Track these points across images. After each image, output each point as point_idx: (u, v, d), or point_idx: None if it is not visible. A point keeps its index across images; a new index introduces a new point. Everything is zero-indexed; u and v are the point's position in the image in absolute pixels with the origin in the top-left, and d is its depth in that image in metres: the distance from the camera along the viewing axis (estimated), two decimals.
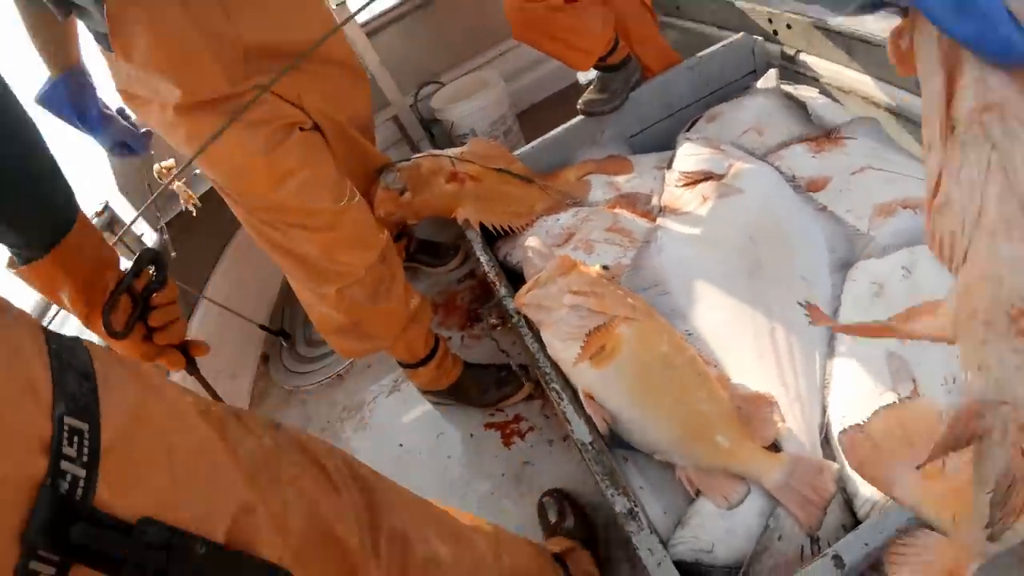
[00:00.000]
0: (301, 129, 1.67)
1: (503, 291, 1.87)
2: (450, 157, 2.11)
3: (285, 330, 2.54)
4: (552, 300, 1.69)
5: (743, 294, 1.70)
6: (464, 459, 2.00)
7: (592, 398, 1.60)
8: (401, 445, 2.09)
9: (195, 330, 2.34)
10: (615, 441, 1.63)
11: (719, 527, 1.46)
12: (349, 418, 2.23)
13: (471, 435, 2.03)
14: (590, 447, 1.53)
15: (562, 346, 1.65)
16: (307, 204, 1.62)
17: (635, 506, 1.41)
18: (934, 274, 1.63)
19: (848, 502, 1.46)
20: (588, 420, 1.57)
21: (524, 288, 1.75)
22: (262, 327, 2.54)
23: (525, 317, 1.77)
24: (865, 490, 1.42)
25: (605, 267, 1.79)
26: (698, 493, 1.52)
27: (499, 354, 2.13)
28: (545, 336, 1.69)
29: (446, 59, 2.98)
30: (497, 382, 2.06)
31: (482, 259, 1.97)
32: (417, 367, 1.97)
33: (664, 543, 1.47)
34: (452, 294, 2.40)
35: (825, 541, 1.43)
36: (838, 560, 1.25)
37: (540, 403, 2.03)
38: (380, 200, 2.05)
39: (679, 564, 1.44)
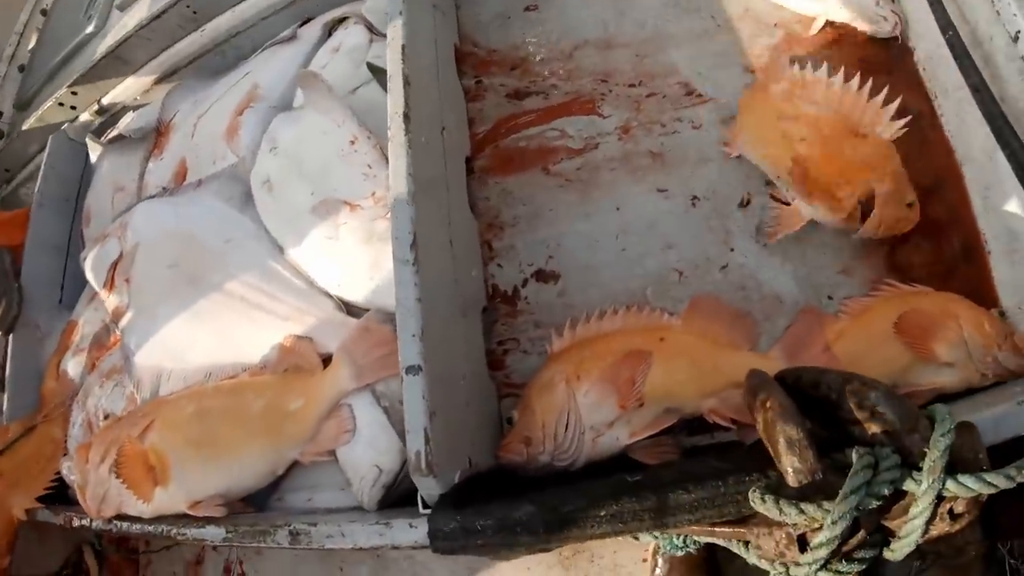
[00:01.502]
0: None
1: (92, 522, 1.67)
2: None
3: None
4: (99, 485, 1.53)
5: (202, 305, 1.62)
6: None
7: (196, 503, 1.47)
8: None
9: None
10: (257, 502, 1.54)
11: (364, 453, 1.41)
12: None
13: None
14: (231, 536, 1.40)
15: (140, 504, 1.48)
16: None
17: (291, 526, 1.31)
18: (293, 131, 1.64)
19: None
20: (209, 520, 1.44)
21: (81, 503, 1.57)
22: None
23: (116, 518, 1.62)
24: None
25: (107, 416, 1.67)
26: (331, 453, 1.48)
27: None
28: (130, 512, 1.51)
29: None
30: None
31: (60, 522, 1.75)
32: None
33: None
34: (106, 557, 2.14)
35: None
36: (412, 369, 1.19)
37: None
38: None
39: (381, 506, 1.39)
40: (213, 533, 1.41)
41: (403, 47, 1.46)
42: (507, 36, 1.76)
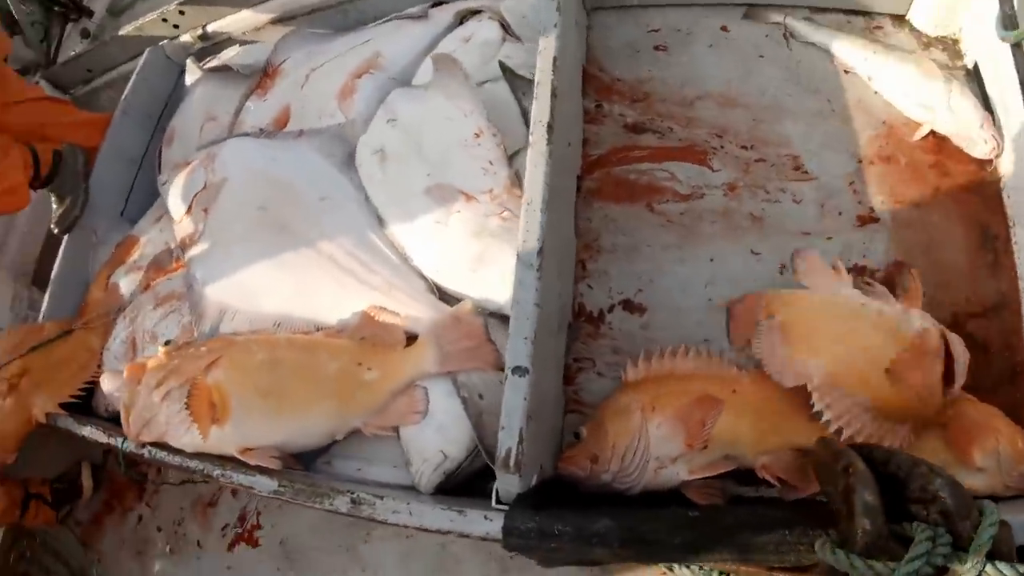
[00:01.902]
0: None
1: (120, 441, 1.63)
2: None
3: None
4: (148, 409, 1.50)
5: (287, 255, 1.62)
6: None
7: (249, 450, 1.47)
8: None
9: None
10: (306, 460, 1.54)
11: (432, 437, 1.43)
12: None
13: (228, 568, 1.80)
14: (282, 489, 1.41)
15: (189, 436, 1.47)
16: None
17: (354, 494, 1.33)
18: (415, 109, 1.68)
19: (501, 316, 1.47)
20: (262, 470, 1.45)
21: (123, 422, 1.54)
22: None
23: (154, 445, 1.60)
24: (502, 297, 1.44)
25: (167, 342, 1.65)
26: (396, 430, 1.49)
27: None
28: (173, 443, 1.50)
29: None
30: None
31: (84, 433, 1.73)
32: None
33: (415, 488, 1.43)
34: (109, 475, 2.11)
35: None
36: (519, 370, 1.25)
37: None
38: None
39: (438, 492, 1.42)
40: (263, 484, 1.41)
41: (555, 59, 1.50)
42: (634, 69, 1.81)
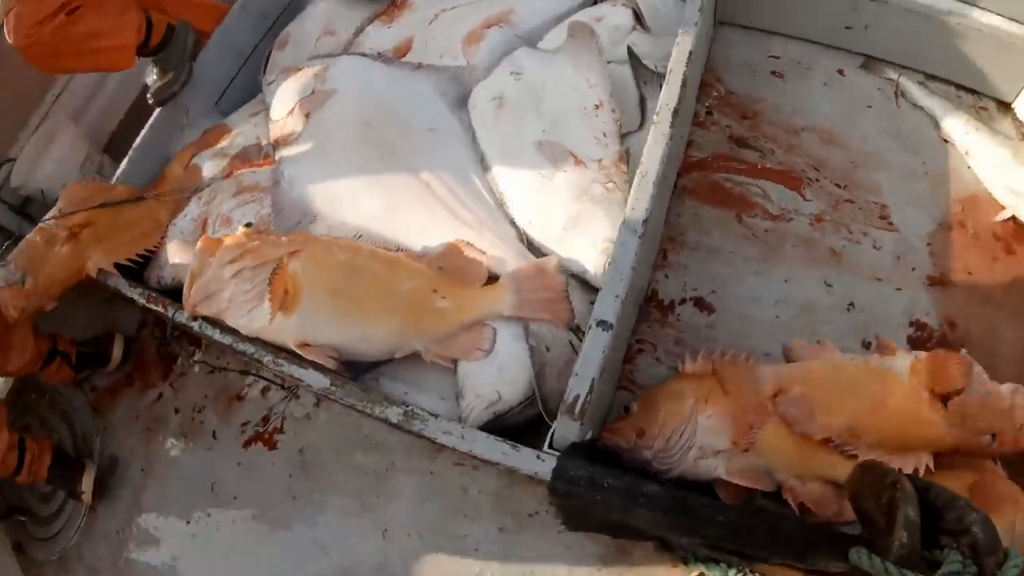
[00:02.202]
0: None
1: (171, 311, 1.67)
2: (53, 219, 1.82)
3: (11, 506, 2.11)
4: (215, 283, 1.52)
5: (385, 173, 1.65)
6: (248, 488, 1.79)
7: (307, 344, 1.48)
8: (188, 523, 1.76)
9: None
10: (355, 371, 1.55)
11: (491, 375, 1.45)
12: (129, 533, 1.88)
13: (238, 464, 1.80)
14: (332, 388, 1.43)
15: (249, 318, 1.49)
16: None
17: (408, 406, 1.36)
18: (541, 69, 1.72)
19: (582, 281, 1.51)
20: (316, 366, 1.46)
21: (185, 291, 1.54)
22: None
23: (206, 320, 1.62)
24: (589, 263, 1.48)
25: (248, 224, 1.67)
26: (454, 362, 1.51)
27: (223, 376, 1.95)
28: (229, 321, 1.52)
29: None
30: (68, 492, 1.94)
31: (134, 296, 1.74)
32: (16, 474, 1.82)
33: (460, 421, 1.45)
34: (139, 350, 2.12)
35: (587, 326, 1.48)
36: (604, 324, 1.30)
37: (277, 390, 1.85)
38: (5, 301, 1.70)
39: (484, 428, 1.43)
40: (315, 379, 1.44)
41: (690, 53, 1.55)
42: (748, 87, 1.87)
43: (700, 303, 1.62)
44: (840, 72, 1.88)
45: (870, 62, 1.88)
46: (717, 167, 1.76)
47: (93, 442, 2.04)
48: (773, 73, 1.89)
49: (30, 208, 2.33)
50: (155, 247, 1.87)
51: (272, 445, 1.80)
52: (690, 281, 1.64)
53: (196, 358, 1.95)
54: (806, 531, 1.17)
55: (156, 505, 1.90)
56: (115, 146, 2.51)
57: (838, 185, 1.74)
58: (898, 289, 1.64)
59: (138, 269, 1.86)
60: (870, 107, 1.84)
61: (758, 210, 1.71)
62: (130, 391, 2.06)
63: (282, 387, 1.83)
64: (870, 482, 1.09)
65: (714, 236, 1.69)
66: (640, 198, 1.37)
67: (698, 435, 1.38)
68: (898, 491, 1.01)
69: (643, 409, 1.43)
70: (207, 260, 1.54)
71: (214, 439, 1.88)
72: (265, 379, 1.86)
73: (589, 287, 1.51)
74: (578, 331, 1.48)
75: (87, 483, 1.89)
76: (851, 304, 1.62)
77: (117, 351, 2.06)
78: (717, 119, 1.83)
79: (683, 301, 1.63)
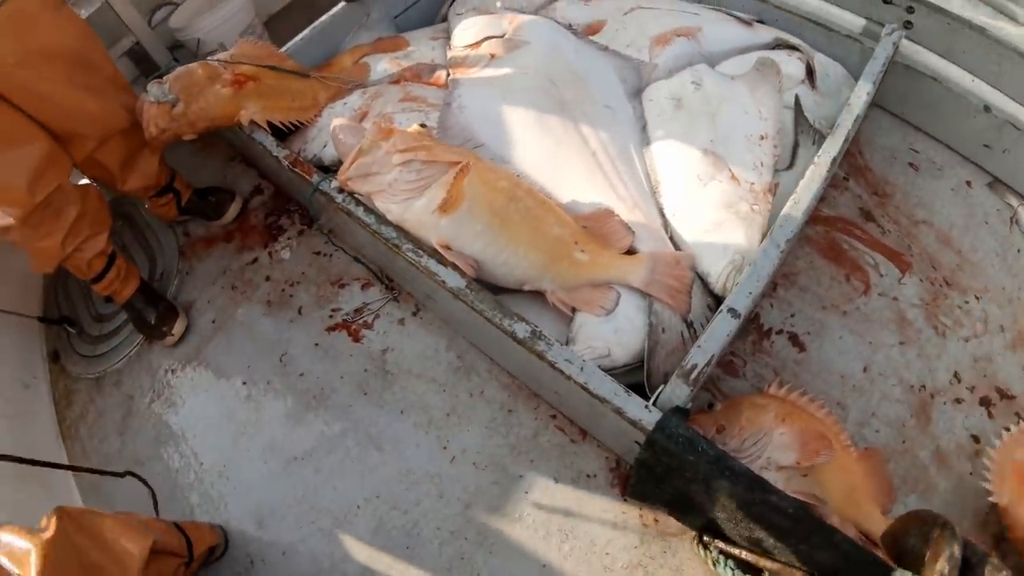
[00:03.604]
0: None
1: (316, 178, 1.82)
2: (222, 61, 1.99)
3: (66, 317, 2.23)
4: (380, 165, 1.67)
5: (556, 128, 1.83)
6: (318, 369, 1.92)
7: (449, 247, 1.66)
8: (245, 383, 1.94)
9: None
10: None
11: (606, 332, 1.62)
12: (179, 375, 2.02)
13: (315, 344, 1.95)
14: (467, 291, 1.57)
15: (404, 206, 1.65)
16: None
17: (536, 327, 1.50)
18: (721, 87, 1.94)
19: (703, 282, 1.72)
20: (455, 267, 1.62)
21: (346, 163, 1.70)
22: (42, 319, 2.19)
23: (353, 196, 1.77)
24: (715, 269, 1.68)
25: (423, 125, 1.84)
26: (574, 311, 1.68)
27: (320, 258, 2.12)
28: (379, 203, 1.68)
29: None
30: (157, 319, 2.06)
31: (278, 155, 1.89)
32: (94, 282, 1.97)
33: None
34: (245, 216, 2.27)
35: (698, 323, 1.66)
36: (733, 312, 1.48)
37: (379, 289, 2.02)
38: (151, 116, 1.82)
39: None
40: (454, 279, 1.59)
41: (857, 117, 1.78)
42: (885, 169, 2.09)
43: (794, 339, 1.82)
44: (968, 184, 2.11)
45: (997, 184, 2.11)
46: (841, 228, 1.98)
47: (171, 283, 2.18)
48: (910, 164, 2.12)
49: (177, 53, 2.50)
50: (306, 122, 2.05)
51: (357, 337, 1.95)
52: (791, 317, 1.84)
53: (293, 239, 2.10)
54: (857, 550, 1.34)
55: (217, 358, 2.03)
56: (275, 23, 2.71)
57: (942, 284, 1.96)
58: (969, 389, 1.85)
59: (283, 136, 2.04)
60: (986, 223, 2.06)
61: (866, 277, 1.92)
62: (225, 247, 2.20)
63: (387, 287, 1.99)
64: (919, 521, 1.28)
65: (822, 286, 1.89)
66: (789, 220, 1.58)
67: (770, 447, 1.57)
68: (947, 531, 1.21)
69: (726, 409, 1.62)
70: (378, 142, 1.69)
71: (299, 314, 2.02)
72: (373, 273, 2.01)
73: (707, 291, 1.72)
74: (690, 326, 1.68)
75: (179, 328, 2.05)
76: (923, 386, 1.83)
77: (234, 210, 2.21)
78: (851, 186, 2.05)
79: (780, 332, 1.82)
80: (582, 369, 1.45)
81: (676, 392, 1.42)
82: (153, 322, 2.03)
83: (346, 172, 1.71)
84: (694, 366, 1.42)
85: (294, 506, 1.76)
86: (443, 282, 1.60)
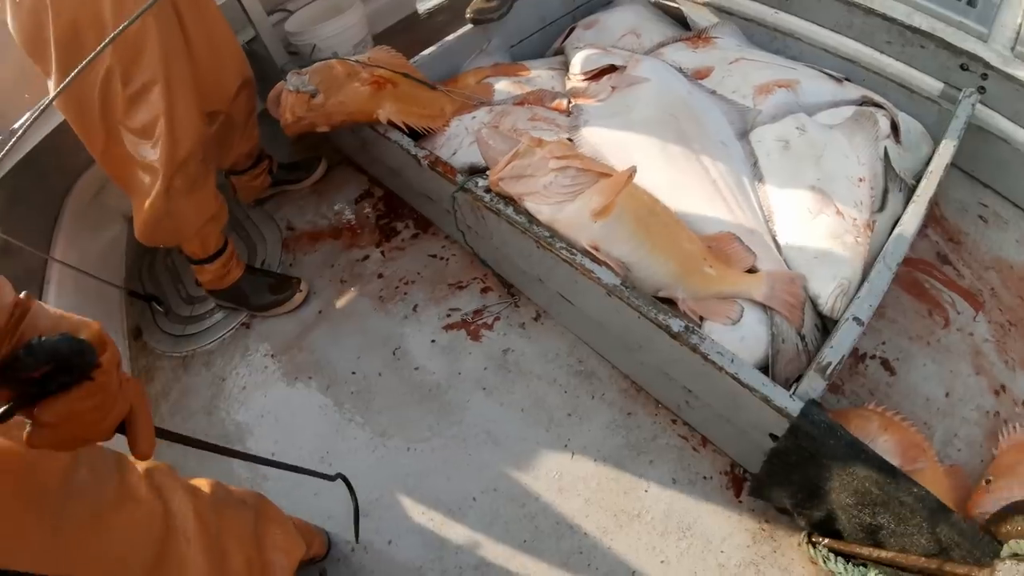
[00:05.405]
0: None
1: (461, 177, 2.07)
2: (360, 61, 2.27)
3: (153, 295, 2.40)
4: (536, 168, 1.93)
5: (679, 157, 2.12)
6: (434, 365, 2.11)
7: (599, 249, 1.90)
8: (354, 373, 2.13)
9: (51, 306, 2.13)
10: None
11: (732, 340, 1.87)
12: (279, 360, 2.18)
13: (432, 341, 2.13)
14: (623, 287, 1.82)
15: (556, 208, 1.91)
16: None
17: (689, 322, 1.75)
18: (822, 134, 2.26)
19: (814, 303, 2.00)
20: (607, 265, 1.86)
21: (500, 165, 1.96)
22: (132, 293, 2.37)
23: (502, 196, 2.01)
24: (824, 291, 1.97)
25: (569, 139, 2.14)
26: (701, 319, 1.95)
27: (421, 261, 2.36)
28: (531, 204, 1.93)
29: None
30: (270, 288, 2.31)
31: (416, 154, 2.14)
32: (205, 263, 2.16)
33: None
34: (357, 215, 2.47)
35: (809, 338, 1.94)
36: (858, 320, 1.77)
37: (498, 294, 2.22)
38: (290, 104, 2.05)
39: None
40: (607, 275, 1.83)
41: (940, 179, 2.15)
42: (958, 219, 2.43)
43: (886, 364, 2.14)
44: None
45: None
46: (922, 268, 2.34)
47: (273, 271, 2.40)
48: (980, 217, 2.50)
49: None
50: (435, 130, 2.32)
51: (476, 337, 2.15)
52: (882, 344, 2.15)
53: (405, 240, 2.32)
54: (972, 527, 1.57)
55: (323, 346, 2.19)
56: (379, 41, 3.02)
57: (1009, 323, 2.33)
58: None
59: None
60: None
61: (945, 313, 2.27)
62: (333, 243, 2.43)
63: (508, 292, 2.24)
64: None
65: (908, 318, 2.22)
66: (896, 249, 1.91)
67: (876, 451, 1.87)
68: None
69: (837, 417, 1.91)
70: (534, 148, 1.96)
71: (413, 311, 2.24)
72: (499, 278, 2.21)
73: (815, 311, 2.03)
74: (803, 339, 1.99)
75: (305, 287, 2.26)
76: (997, 412, 2.16)
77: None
78: (929, 233, 2.43)
79: (873, 356, 2.14)
80: (732, 361, 1.72)
81: (812, 385, 1.69)
82: (273, 285, 2.25)
83: (500, 173, 1.96)
84: (828, 363, 1.71)
85: (402, 496, 1.90)
86: (599, 279, 1.84)
